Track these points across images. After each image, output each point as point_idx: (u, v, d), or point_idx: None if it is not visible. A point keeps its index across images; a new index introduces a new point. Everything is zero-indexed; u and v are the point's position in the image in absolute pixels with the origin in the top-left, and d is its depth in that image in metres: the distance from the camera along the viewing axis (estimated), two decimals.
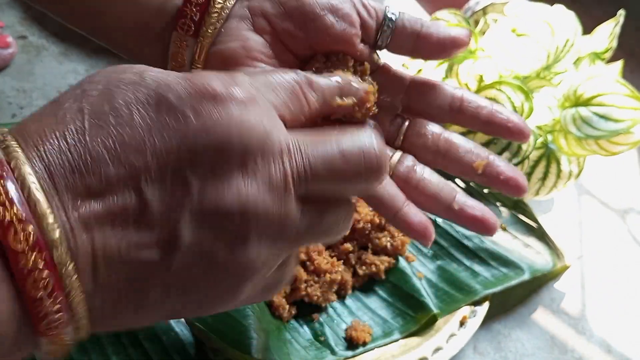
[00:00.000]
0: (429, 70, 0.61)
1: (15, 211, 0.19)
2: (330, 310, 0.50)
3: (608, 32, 0.59)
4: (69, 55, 0.66)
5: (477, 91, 0.56)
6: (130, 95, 0.22)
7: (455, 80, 0.59)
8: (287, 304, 0.48)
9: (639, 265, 0.60)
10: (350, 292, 0.51)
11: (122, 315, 0.23)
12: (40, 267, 0.19)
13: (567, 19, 0.58)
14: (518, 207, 0.59)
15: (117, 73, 0.23)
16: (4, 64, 0.63)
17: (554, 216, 0.62)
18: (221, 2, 0.31)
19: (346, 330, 0.48)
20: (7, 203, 0.19)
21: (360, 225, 0.52)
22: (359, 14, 0.33)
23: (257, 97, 0.24)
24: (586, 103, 0.54)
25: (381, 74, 0.36)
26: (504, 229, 0.57)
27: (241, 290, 0.24)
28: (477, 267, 0.54)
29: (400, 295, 0.51)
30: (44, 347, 0.21)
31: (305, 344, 0.47)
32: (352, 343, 0.48)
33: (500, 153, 0.55)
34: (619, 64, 0.58)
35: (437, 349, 0.47)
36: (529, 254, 0.55)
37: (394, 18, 0.34)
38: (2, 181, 0.19)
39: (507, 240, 0.56)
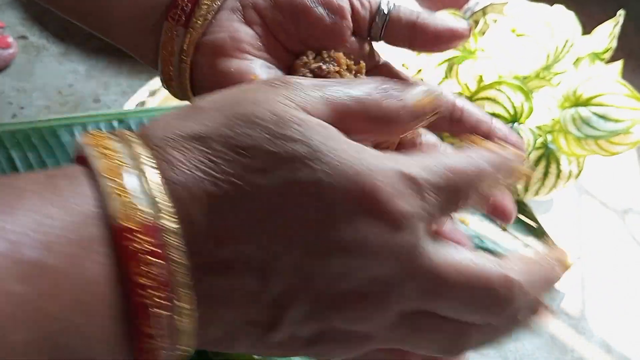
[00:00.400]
0: (428, 69, 0.61)
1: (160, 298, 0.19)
2: None
3: (608, 32, 0.59)
4: (69, 56, 0.66)
5: (477, 91, 0.56)
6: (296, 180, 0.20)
7: (455, 80, 0.59)
8: None
9: (639, 265, 0.60)
10: None
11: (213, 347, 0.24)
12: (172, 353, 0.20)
13: (566, 19, 0.58)
14: (518, 207, 0.59)
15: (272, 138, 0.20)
16: (5, 64, 0.63)
17: (554, 216, 0.62)
18: None
19: None
20: (159, 288, 0.19)
21: None
22: (351, 4, 0.33)
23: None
24: (586, 103, 0.54)
25: (381, 73, 0.36)
26: (504, 229, 0.58)
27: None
28: None
29: None
30: None
31: None
32: None
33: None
34: (618, 64, 0.58)
35: None
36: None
37: (387, 9, 0.34)
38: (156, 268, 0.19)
39: (507, 241, 0.56)
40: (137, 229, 0.19)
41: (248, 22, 0.33)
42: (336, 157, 0.20)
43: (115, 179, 0.19)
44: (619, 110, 0.53)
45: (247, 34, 0.32)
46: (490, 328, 0.23)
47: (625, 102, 0.53)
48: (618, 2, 0.63)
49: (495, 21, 0.61)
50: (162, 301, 0.19)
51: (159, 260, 0.19)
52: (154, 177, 0.19)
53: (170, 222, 0.19)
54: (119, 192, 0.19)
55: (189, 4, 0.32)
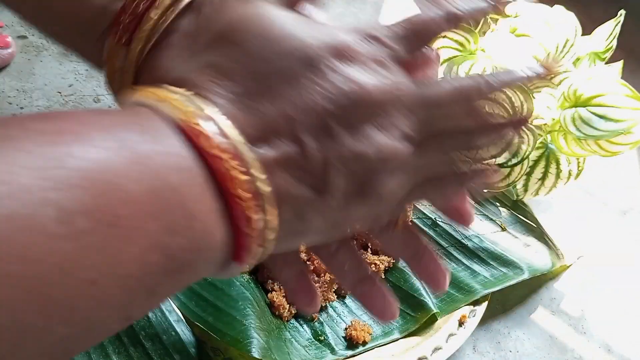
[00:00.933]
0: None
1: (233, 164, 0.22)
2: (330, 309, 0.50)
3: (608, 32, 0.59)
4: (69, 55, 0.66)
5: None
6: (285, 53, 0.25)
7: None
8: (287, 303, 0.48)
9: (639, 265, 0.60)
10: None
11: (292, 240, 0.27)
12: (256, 215, 0.23)
13: (567, 19, 0.58)
14: (518, 207, 0.59)
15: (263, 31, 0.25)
16: (4, 63, 0.63)
17: (554, 216, 0.62)
18: (156, 17, 0.28)
19: (346, 329, 0.48)
20: (229, 156, 0.22)
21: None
22: None
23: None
24: (586, 103, 0.54)
25: None
26: (504, 229, 0.58)
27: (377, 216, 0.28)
28: (477, 267, 0.54)
29: (400, 295, 0.51)
30: (234, 266, 0.24)
31: (305, 343, 0.47)
32: (352, 342, 0.48)
33: (499, 153, 0.55)
34: (619, 64, 0.58)
35: (437, 349, 0.47)
36: (528, 253, 0.55)
37: None
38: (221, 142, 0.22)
39: (506, 240, 0.57)
40: (226, 154, 0.22)
41: None
42: (302, 28, 0.25)
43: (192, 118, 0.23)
44: (619, 110, 0.53)
45: None
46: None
47: (625, 102, 0.53)
48: (618, 2, 0.63)
49: (496, 21, 0.61)
50: (256, 207, 0.23)
51: (246, 177, 0.22)
52: (220, 117, 0.23)
53: (237, 136, 0.23)
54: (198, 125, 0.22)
55: (131, 24, 0.29)
